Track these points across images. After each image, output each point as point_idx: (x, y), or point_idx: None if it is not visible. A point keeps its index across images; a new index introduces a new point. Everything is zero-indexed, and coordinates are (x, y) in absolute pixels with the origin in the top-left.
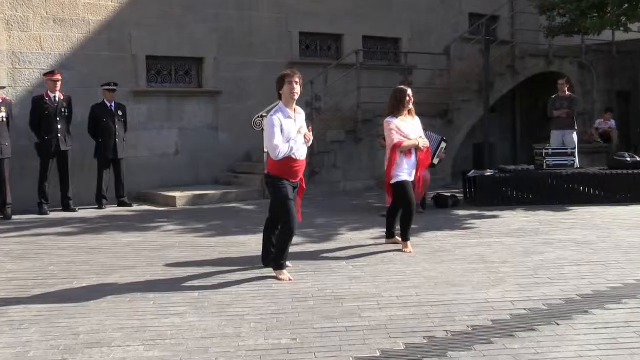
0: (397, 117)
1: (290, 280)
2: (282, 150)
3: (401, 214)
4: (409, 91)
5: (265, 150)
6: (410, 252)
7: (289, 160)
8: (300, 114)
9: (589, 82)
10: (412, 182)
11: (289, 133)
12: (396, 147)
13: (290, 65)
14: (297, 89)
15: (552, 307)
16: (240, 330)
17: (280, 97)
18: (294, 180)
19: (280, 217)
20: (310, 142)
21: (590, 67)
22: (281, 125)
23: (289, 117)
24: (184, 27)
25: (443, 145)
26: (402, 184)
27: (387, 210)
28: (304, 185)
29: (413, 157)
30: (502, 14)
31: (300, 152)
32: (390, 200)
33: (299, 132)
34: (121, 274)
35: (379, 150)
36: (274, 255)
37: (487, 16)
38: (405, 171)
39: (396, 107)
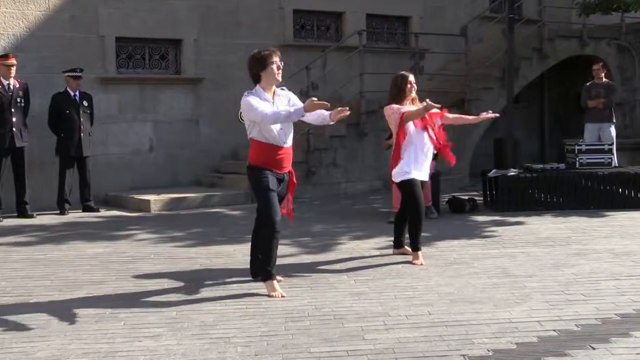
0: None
1: (282, 296)
2: (268, 113)
3: (409, 219)
4: (411, 77)
5: None
6: (422, 264)
7: (271, 147)
8: (279, 96)
9: (630, 67)
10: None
11: None
12: (403, 120)
13: (283, 48)
14: (280, 70)
15: (587, 328)
16: (225, 355)
17: (257, 81)
18: (279, 171)
19: (261, 212)
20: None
21: (631, 49)
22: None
23: (266, 100)
24: (159, 4)
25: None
26: (409, 183)
27: (395, 215)
28: (295, 179)
29: (427, 147)
30: None
31: (284, 138)
32: (399, 204)
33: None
34: (86, 290)
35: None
36: (261, 263)
37: None
38: (415, 166)
39: (397, 96)
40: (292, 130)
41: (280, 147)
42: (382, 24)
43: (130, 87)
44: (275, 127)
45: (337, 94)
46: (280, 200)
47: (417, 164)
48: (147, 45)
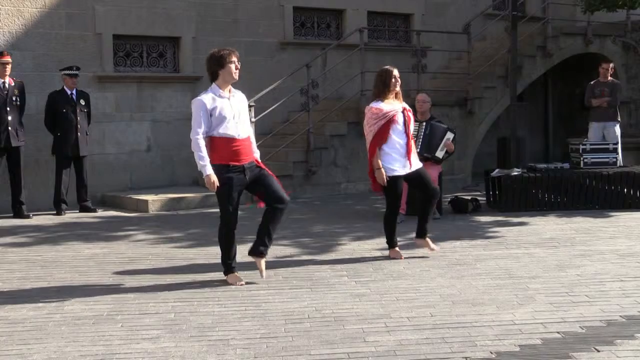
0: (382, 101)
1: (242, 284)
2: (197, 137)
3: (385, 214)
4: (395, 72)
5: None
6: (402, 258)
7: (226, 140)
8: (235, 96)
9: (635, 65)
10: (408, 174)
11: (223, 113)
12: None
13: (283, 46)
14: (238, 70)
15: (591, 330)
16: (224, 357)
17: (214, 79)
18: (238, 163)
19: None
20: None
21: (636, 47)
22: (213, 107)
23: (222, 97)
24: (157, 2)
25: (449, 135)
26: (393, 180)
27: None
28: (262, 165)
29: (403, 139)
30: None
31: (239, 131)
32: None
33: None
34: (83, 291)
35: None
36: (221, 258)
37: None
38: (397, 161)
39: (381, 90)
40: (248, 124)
41: (234, 139)
42: (383, 22)
43: (127, 85)
44: (228, 122)
45: (338, 93)
46: (261, 186)
47: (399, 157)
48: (144, 43)
